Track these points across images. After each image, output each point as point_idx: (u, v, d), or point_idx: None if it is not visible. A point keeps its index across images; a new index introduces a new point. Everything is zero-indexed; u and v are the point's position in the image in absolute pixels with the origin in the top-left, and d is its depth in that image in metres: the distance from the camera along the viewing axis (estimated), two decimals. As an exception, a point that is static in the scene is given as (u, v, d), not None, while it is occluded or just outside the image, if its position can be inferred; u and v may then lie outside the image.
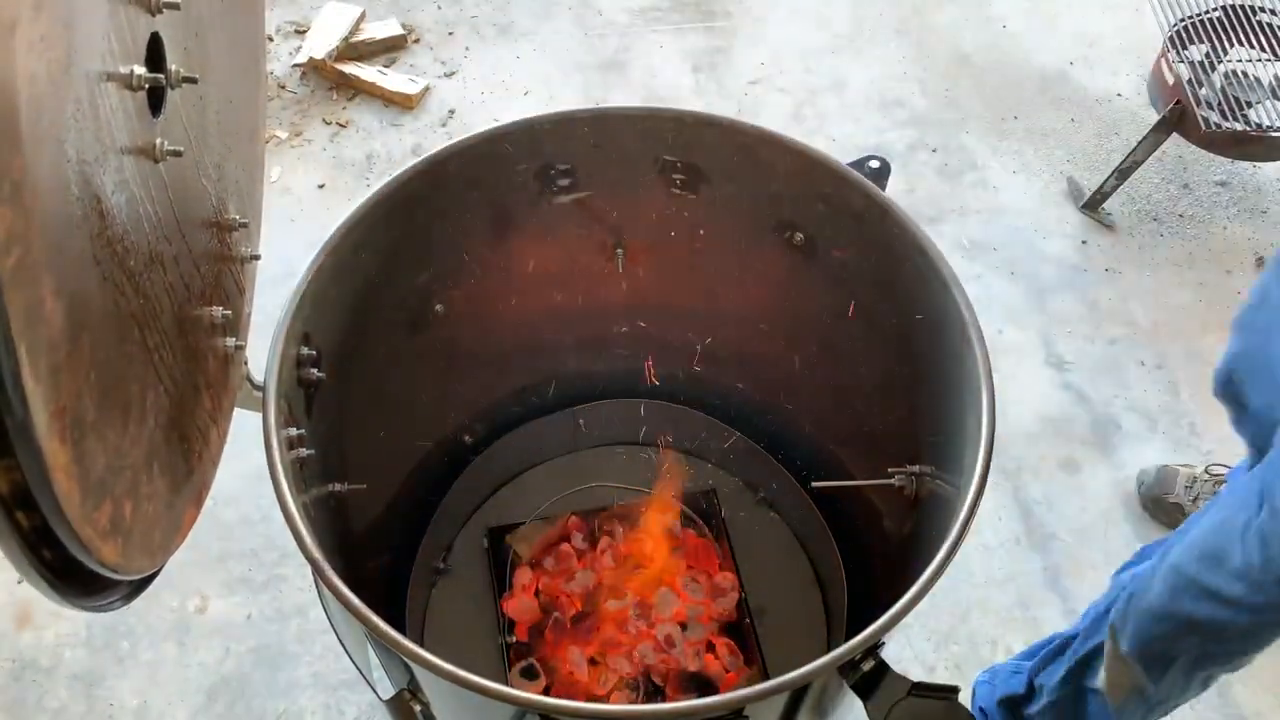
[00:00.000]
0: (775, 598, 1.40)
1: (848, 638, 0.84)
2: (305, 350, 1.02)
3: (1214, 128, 1.98)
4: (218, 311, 0.88)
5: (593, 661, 1.32)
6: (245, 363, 1.00)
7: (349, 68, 2.52)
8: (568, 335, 1.43)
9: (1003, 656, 1.69)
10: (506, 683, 1.27)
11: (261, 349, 0.98)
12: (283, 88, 2.52)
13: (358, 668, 1.02)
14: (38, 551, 0.58)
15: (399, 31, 2.61)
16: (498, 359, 1.40)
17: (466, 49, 2.63)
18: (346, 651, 1.03)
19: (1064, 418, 1.98)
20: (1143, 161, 2.16)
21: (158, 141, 0.70)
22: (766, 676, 1.29)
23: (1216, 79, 2.05)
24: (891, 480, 1.17)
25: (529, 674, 1.30)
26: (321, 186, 2.33)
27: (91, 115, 0.58)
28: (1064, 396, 2.01)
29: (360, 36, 2.58)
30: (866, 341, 1.24)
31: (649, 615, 1.35)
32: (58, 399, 0.54)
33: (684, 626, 1.35)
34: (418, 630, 1.37)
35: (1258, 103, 2.02)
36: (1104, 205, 2.27)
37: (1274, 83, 2.03)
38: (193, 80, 0.74)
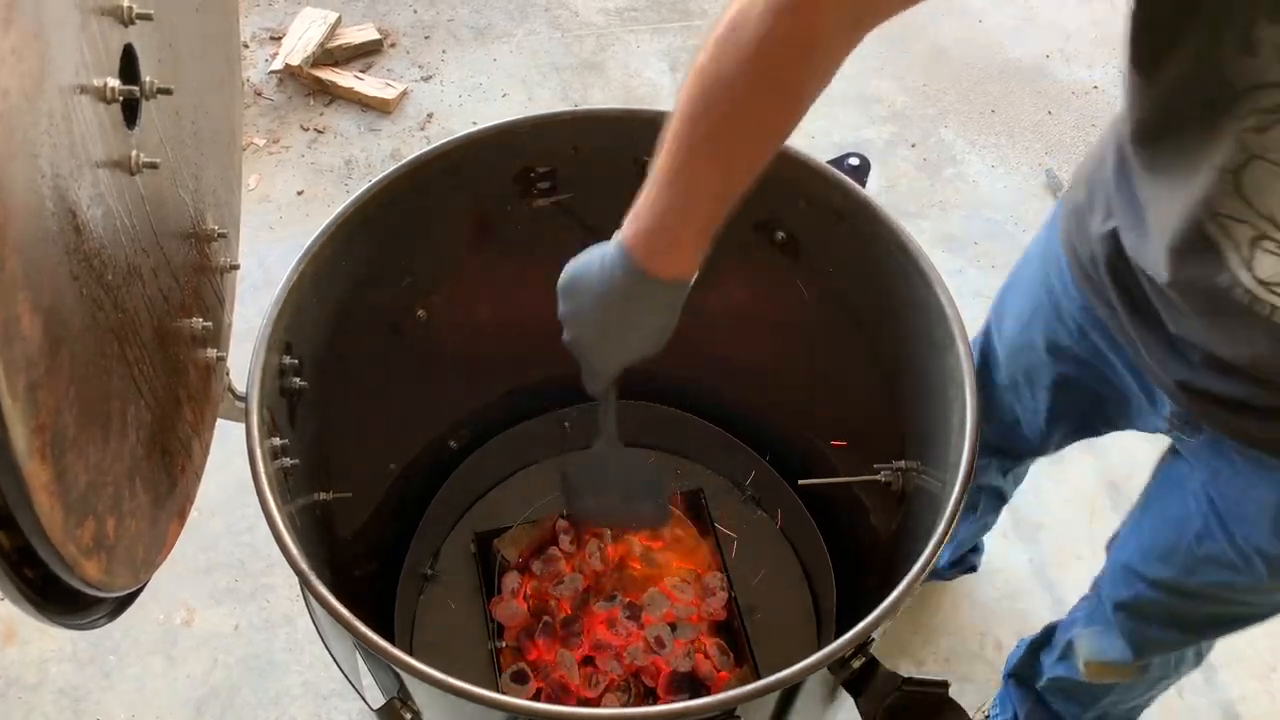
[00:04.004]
0: (765, 596, 1.40)
1: (838, 635, 0.84)
2: (287, 359, 1.01)
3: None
4: (198, 323, 0.87)
5: (584, 664, 1.32)
6: (227, 373, 1.00)
7: (325, 73, 2.51)
8: (551, 338, 1.42)
9: (991, 649, 1.70)
10: (497, 688, 1.26)
11: (243, 359, 0.97)
12: (259, 94, 2.51)
13: (347, 677, 1.01)
14: (19, 570, 0.57)
15: (375, 36, 2.60)
16: (481, 363, 1.40)
17: (443, 52, 2.62)
18: (335, 660, 1.02)
19: (1047, 409, 1.99)
20: (1120, 153, 2.17)
21: (133, 154, 0.69)
22: (758, 675, 1.29)
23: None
24: (878, 476, 1.17)
25: (519, 678, 1.30)
26: (300, 193, 2.32)
27: (65, 129, 0.57)
28: (1047, 388, 2.02)
29: (336, 42, 2.57)
30: (850, 338, 1.24)
31: (639, 616, 1.35)
32: (37, 416, 0.53)
33: (674, 627, 1.35)
34: (406, 637, 1.37)
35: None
36: (1082, 197, 2.28)
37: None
38: (168, 91, 0.73)
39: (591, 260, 0.93)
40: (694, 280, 0.91)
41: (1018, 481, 1.54)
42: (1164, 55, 0.74)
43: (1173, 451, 1.10)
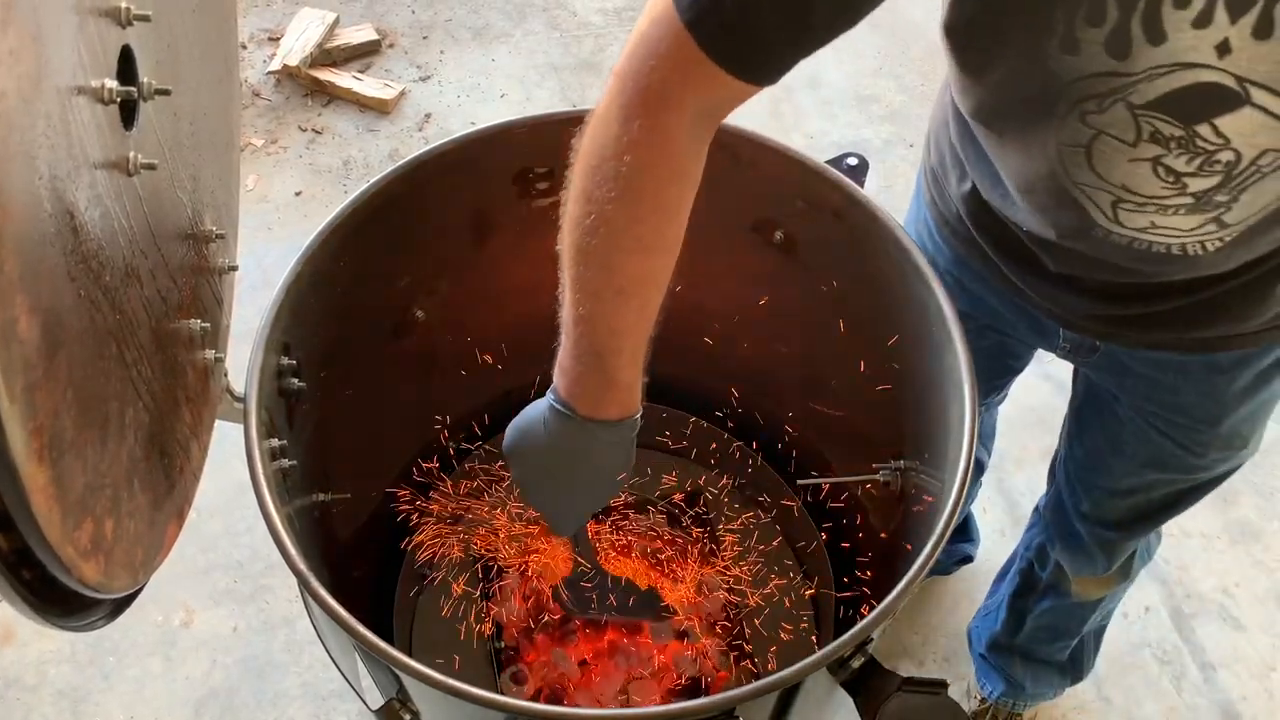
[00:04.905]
0: (765, 596, 1.40)
1: (837, 635, 0.84)
2: (285, 360, 1.01)
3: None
4: (196, 324, 0.87)
5: (583, 664, 1.32)
6: (225, 375, 1.00)
7: (323, 74, 2.50)
8: (551, 338, 1.42)
9: (991, 648, 1.70)
10: (496, 688, 1.26)
11: (241, 360, 0.97)
12: (257, 95, 2.51)
13: (345, 677, 1.01)
14: (17, 572, 0.57)
15: (373, 36, 2.60)
16: (481, 363, 1.39)
17: (441, 53, 2.62)
18: (334, 661, 1.02)
19: (1046, 407, 1.99)
20: (1118, 152, 2.17)
21: (131, 155, 0.69)
22: (757, 676, 1.29)
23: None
24: (877, 475, 1.18)
25: (519, 679, 1.30)
26: (298, 194, 2.31)
27: (63, 130, 0.57)
28: (1045, 386, 2.02)
29: (334, 42, 2.57)
30: (848, 337, 1.24)
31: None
32: (35, 418, 0.53)
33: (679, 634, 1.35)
34: (405, 637, 1.37)
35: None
36: (1081, 196, 2.28)
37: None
38: (165, 92, 0.73)
39: (533, 422, 0.91)
40: (640, 416, 0.90)
41: (985, 441, 1.60)
42: (988, 62, 0.76)
43: (1081, 371, 1.17)
